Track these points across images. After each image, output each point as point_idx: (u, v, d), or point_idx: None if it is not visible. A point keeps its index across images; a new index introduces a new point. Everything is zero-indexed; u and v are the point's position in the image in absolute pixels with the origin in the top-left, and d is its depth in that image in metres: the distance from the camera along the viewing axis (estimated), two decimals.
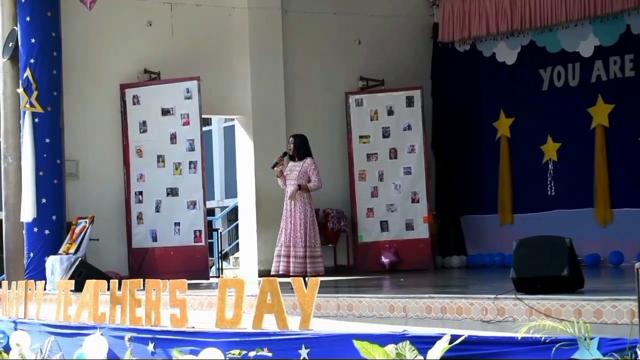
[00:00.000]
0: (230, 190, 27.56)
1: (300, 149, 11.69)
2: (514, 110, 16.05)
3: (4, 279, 13.58)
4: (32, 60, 13.88)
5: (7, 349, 10.40)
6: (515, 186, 16.03)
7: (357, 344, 6.34)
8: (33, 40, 13.93)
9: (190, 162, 15.03)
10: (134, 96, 15.14)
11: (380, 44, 17.06)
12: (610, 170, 14.87)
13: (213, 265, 17.38)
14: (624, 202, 14.69)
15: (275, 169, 11.71)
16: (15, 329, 10.53)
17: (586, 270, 8.27)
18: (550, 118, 15.49)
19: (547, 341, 5.84)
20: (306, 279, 11.34)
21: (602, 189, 14.88)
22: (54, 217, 13.81)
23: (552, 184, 15.38)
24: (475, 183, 16.59)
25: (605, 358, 5.70)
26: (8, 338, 10.56)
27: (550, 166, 15.46)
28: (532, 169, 15.69)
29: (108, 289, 9.36)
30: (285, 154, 11.78)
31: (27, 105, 13.79)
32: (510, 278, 8.05)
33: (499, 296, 7.69)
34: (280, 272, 11.24)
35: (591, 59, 15.09)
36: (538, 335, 5.88)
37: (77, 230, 13.63)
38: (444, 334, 6.25)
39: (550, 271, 7.86)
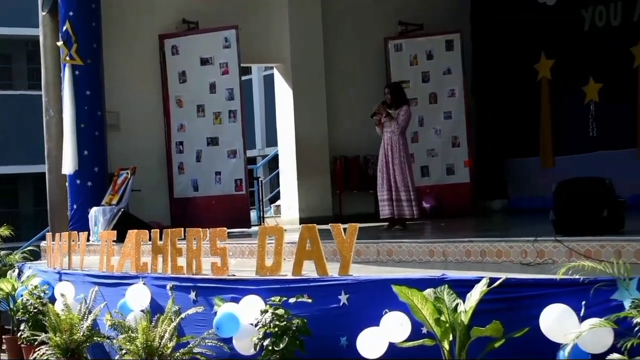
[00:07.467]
0: (272, 139, 27.54)
1: (396, 96, 11.75)
2: (555, 51, 15.82)
3: (48, 231, 13.76)
4: (71, 13, 13.91)
5: (52, 299, 10.56)
6: (557, 128, 15.82)
7: (395, 288, 6.34)
8: None
9: (230, 112, 15.05)
10: (172, 46, 15.16)
11: None
12: None
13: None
14: None
15: (374, 117, 11.77)
16: (60, 280, 10.71)
17: (629, 211, 8.17)
18: (591, 58, 15.20)
19: (586, 282, 5.81)
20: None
21: None
22: (95, 169, 13.91)
23: (594, 125, 15.16)
24: (516, 126, 16.38)
25: None
26: (53, 289, 10.75)
27: (591, 107, 15.24)
28: (573, 110, 15.48)
29: (150, 239, 9.44)
30: (383, 102, 11.86)
31: (67, 58, 13.85)
32: (550, 220, 8.01)
33: (538, 238, 7.66)
34: (388, 216, 11.69)
35: None
36: (577, 276, 5.85)
37: (119, 181, 13.71)
38: (483, 277, 6.24)
39: (589, 212, 7.81)
